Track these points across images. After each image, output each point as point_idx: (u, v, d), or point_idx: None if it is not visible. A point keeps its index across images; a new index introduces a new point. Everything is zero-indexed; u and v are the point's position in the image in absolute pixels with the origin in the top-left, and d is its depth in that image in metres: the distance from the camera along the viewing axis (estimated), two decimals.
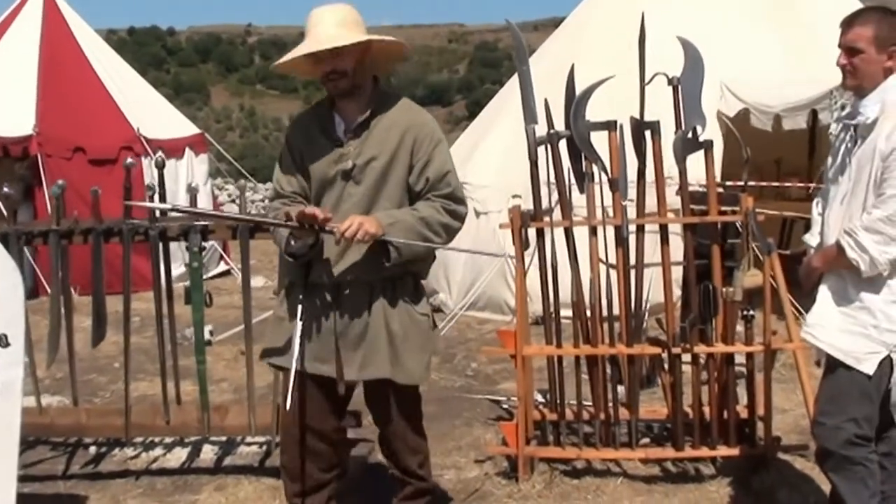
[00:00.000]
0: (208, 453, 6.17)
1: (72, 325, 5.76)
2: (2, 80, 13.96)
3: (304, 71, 4.34)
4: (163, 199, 5.74)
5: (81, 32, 15.24)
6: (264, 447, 6.14)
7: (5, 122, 13.08)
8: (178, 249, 7.50)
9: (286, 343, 4.31)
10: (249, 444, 6.27)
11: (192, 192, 5.62)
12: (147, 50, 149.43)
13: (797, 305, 6.17)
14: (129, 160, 5.82)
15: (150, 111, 14.79)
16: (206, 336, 9.16)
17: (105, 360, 8.55)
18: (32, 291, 11.91)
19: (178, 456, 6.22)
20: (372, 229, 3.99)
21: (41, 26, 14.78)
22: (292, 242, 4.15)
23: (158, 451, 6.27)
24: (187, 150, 14.74)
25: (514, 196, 5.95)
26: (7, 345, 3.88)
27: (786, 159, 11.83)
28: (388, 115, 4.24)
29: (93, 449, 6.31)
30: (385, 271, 4.14)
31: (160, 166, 5.70)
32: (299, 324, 4.21)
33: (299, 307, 4.24)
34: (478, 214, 10.75)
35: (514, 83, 9.76)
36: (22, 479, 5.32)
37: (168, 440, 6.31)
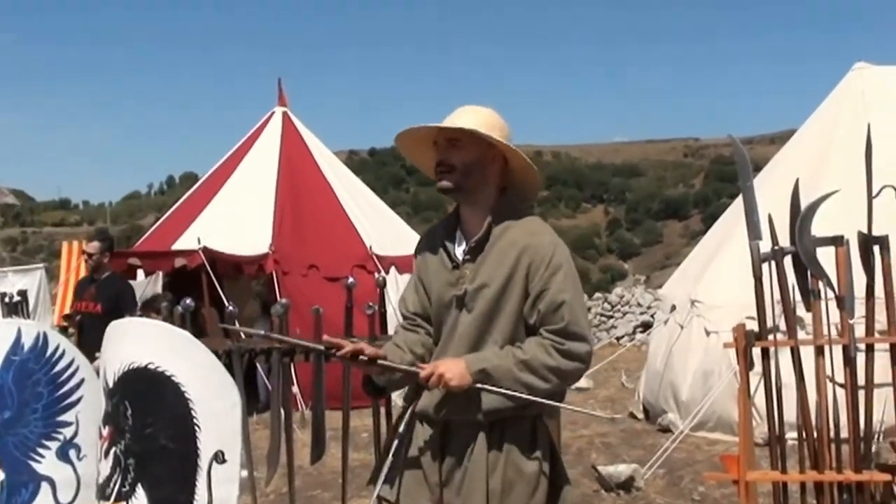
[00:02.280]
0: None
1: (292, 441, 5.87)
2: (242, 200, 14.66)
3: (426, 159, 3.98)
4: (383, 317, 5.85)
5: (319, 152, 15.92)
6: None
7: (244, 241, 13.66)
8: None
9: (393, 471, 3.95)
10: None
11: None
12: (387, 170, 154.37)
13: None
14: (351, 280, 5.95)
15: (384, 229, 15.19)
16: None
17: (331, 475, 8.66)
18: (266, 404, 12.28)
19: None
20: (454, 381, 3.64)
21: (280, 147, 15.47)
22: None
23: None
24: None
25: (748, 318, 5.76)
26: (223, 461, 3.96)
27: None
28: (509, 233, 3.83)
29: None
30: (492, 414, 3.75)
31: (381, 285, 5.82)
32: (389, 458, 3.92)
33: (394, 439, 3.94)
34: (708, 333, 10.57)
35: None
36: None
37: None
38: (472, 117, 3.83)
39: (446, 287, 3.88)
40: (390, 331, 6.02)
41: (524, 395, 3.68)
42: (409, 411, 3.91)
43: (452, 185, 3.81)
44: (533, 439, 3.82)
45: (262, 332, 4.17)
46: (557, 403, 3.87)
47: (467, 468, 3.79)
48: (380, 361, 3.77)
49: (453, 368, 3.67)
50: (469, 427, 3.80)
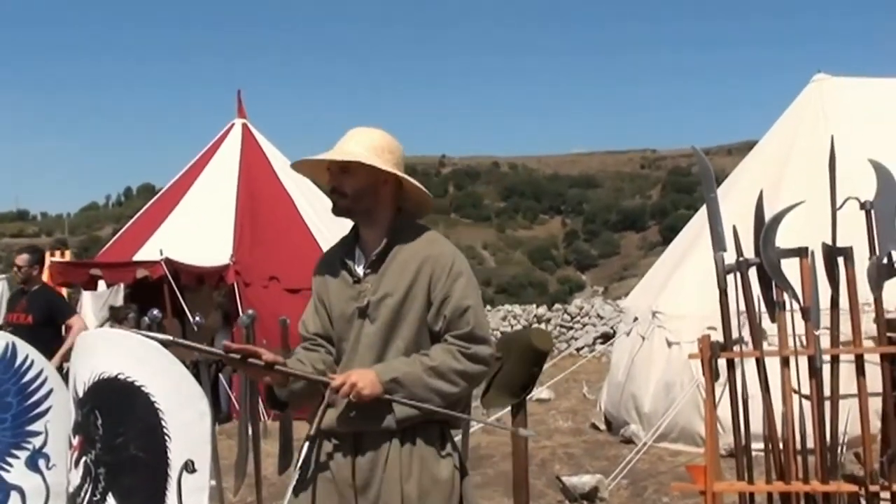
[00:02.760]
0: None
1: (259, 451, 5.87)
2: (202, 211, 14.64)
3: (324, 182, 4.08)
4: None
5: (280, 165, 15.89)
6: None
7: (205, 252, 13.64)
8: None
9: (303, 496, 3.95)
10: None
11: None
12: None
13: None
14: None
15: None
16: None
17: None
18: (227, 416, 12.26)
19: None
20: (366, 391, 3.68)
21: (239, 159, 15.47)
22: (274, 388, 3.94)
23: None
24: None
25: (710, 328, 5.80)
26: (193, 471, 3.94)
27: None
28: (408, 247, 3.91)
29: None
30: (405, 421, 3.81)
31: None
32: (295, 474, 3.92)
33: (300, 456, 3.90)
34: (669, 344, 10.64)
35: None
36: None
37: None
38: (362, 142, 3.92)
39: (348, 302, 3.93)
40: None
41: (435, 408, 3.76)
42: (315, 427, 3.85)
43: (346, 208, 3.91)
44: (443, 441, 3.93)
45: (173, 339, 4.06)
46: (466, 416, 4.12)
47: (382, 477, 3.83)
48: (288, 369, 3.81)
49: (365, 378, 3.71)
50: (380, 436, 3.84)
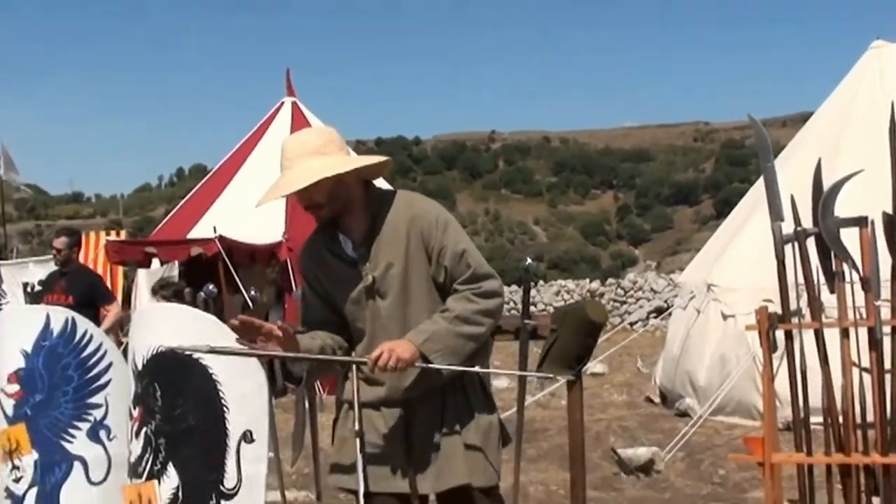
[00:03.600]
0: None
1: (316, 423, 5.92)
2: (254, 189, 14.70)
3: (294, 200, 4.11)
4: None
5: None
6: None
7: (257, 229, 13.72)
8: None
9: (352, 463, 3.99)
10: None
11: None
12: (394, 159, 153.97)
13: None
14: None
15: None
16: None
17: None
18: (282, 389, 12.33)
19: None
20: (406, 355, 3.78)
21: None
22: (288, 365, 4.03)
23: None
24: None
25: (766, 300, 5.74)
26: (252, 441, 4.00)
27: None
28: (391, 216, 4.00)
29: None
30: (449, 378, 3.95)
31: None
32: (357, 443, 3.90)
33: (356, 425, 3.92)
34: (725, 317, 10.57)
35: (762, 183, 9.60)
36: None
37: None
38: (305, 154, 3.96)
39: (350, 285, 4.01)
40: None
41: (475, 369, 3.98)
42: (356, 402, 3.92)
43: (329, 215, 4.01)
44: (486, 394, 4.15)
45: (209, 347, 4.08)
46: (497, 372, 4.04)
47: (442, 434, 3.98)
48: (324, 356, 3.95)
49: (400, 345, 3.80)
50: (431, 398, 3.98)
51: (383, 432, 4.01)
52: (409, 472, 3.99)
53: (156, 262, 14.55)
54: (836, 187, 5.23)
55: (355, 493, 4.00)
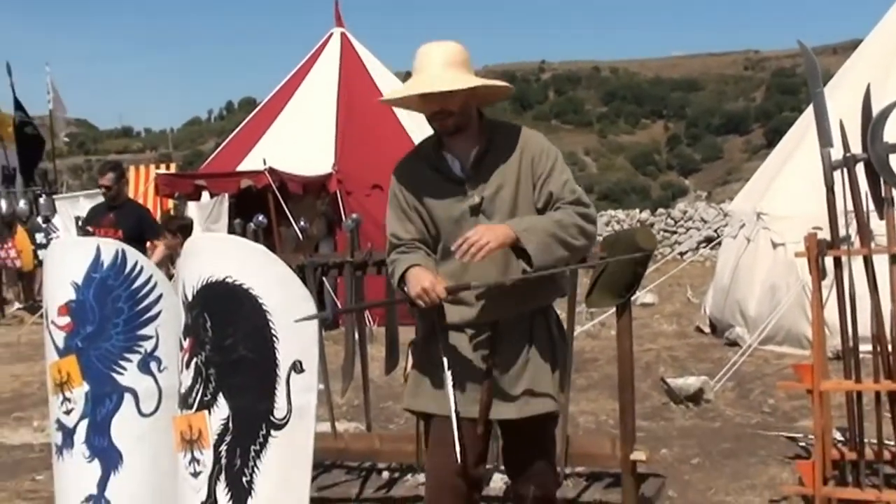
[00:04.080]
0: (497, 482, 6.19)
1: (366, 354, 5.97)
2: (303, 122, 14.74)
3: (414, 106, 4.19)
4: None
5: (379, 74, 15.90)
6: None
7: (307, 162, 13.75)
8: None
9: (434, 390, 4.06)
10: None
11: None
12: None
13: None
14: None
15: None
16: None
17: (402, 388, 8.73)
18: (334, 322, 12.43)
19: None
20: (502, 237, 3.80)
21: (339, 69, 15.49)
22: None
23: None
24: None
25: (815, 228, 5.69)
26: (301, 371, 4.03)
27: None
28: (502, 144, 4.08)
29: (385, 474, 6.48)
30: (538, 301, 4.07)
31: None
32: (448, 374, 3.95)
33: (444, 357, 3.98)
34: (775, 245, 10.50)
35: (812, 110, 9.48)
36: (317, 501, 5.55)
37: None
38: (450, 62, 3.99)
39: (453, 204, 4.04)
40: None
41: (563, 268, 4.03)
42: (440, 324, 4.01)
43: (455, 126, 4.01)
44: (560, 325, 4.28)
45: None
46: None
47: (528, 358, 4.05)
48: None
49: (495, 229, 3.84)
50: (518, 322, 4.04)
51: (467, 356, 4.03)
52: (490, 397, 4.02)
53: (206, 196, 14.63)
54: (885, 113, 5.18)
55: (427, 416, 4.13)
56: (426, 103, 4.00)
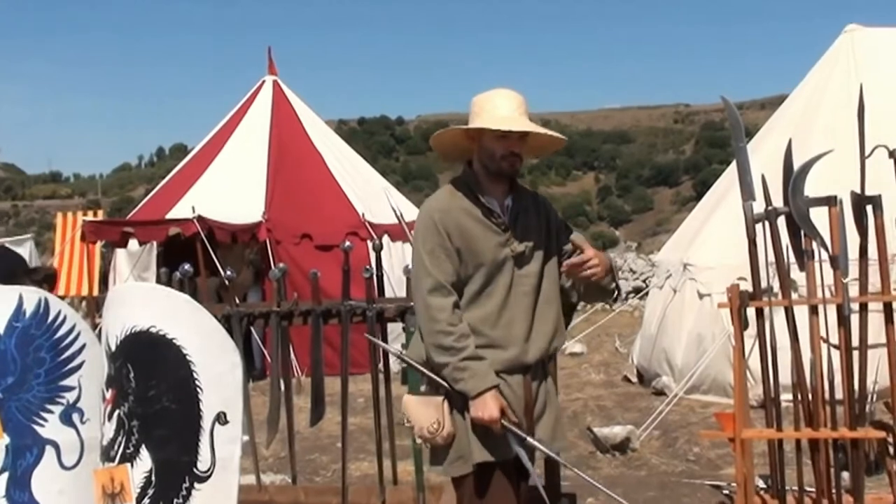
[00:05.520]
0: None
1: (291, 405, 5.93)
2: (234, 169, 14.72)
3: (456, 149, 4.36)
4: (380, 280, 5.91)
5: (310, 122, 15.97)
6: None
7: (237, 210, 13.71)
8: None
9: (492, 440, 4.05)
10: None
11: (408, 273, 5.71)
12: (377, 139, 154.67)
13: None
14: (347, 244, 5.96)
15: (375, 197, 15.25)
16: None
17: (328, 439, 8.74)
18: (261, 372, 12.36)
19: None
20: (607, 267, 4.13)
21: (270, 117, 15.51)
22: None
23: None
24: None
25: (740, 278, 5.79)
26: (226, 422, 4.01)
27: None
28: (526, 195, 4.36)
29: None
30: (555, 344, 4.27)
31: (377, 249, 5.87)
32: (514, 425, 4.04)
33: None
34: (701, 296, 10.63)
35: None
36: None
37: None
38: (520, 108, 4.19)
39: (498, 248, 4.15)
40: (387, 293, 6.07)
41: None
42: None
43: (517, 171, 4.23)
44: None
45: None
46: None
47: (547, 394, 4.27)
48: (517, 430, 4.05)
49: (603, 258, 4.13)
50: (543, 365, 4.26)
51: (508, 398, 4.09)
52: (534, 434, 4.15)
53: (135, 243, 14.51)
54: (806, 167, 5.28)
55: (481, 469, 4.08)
56: (504, 143, 4.12)
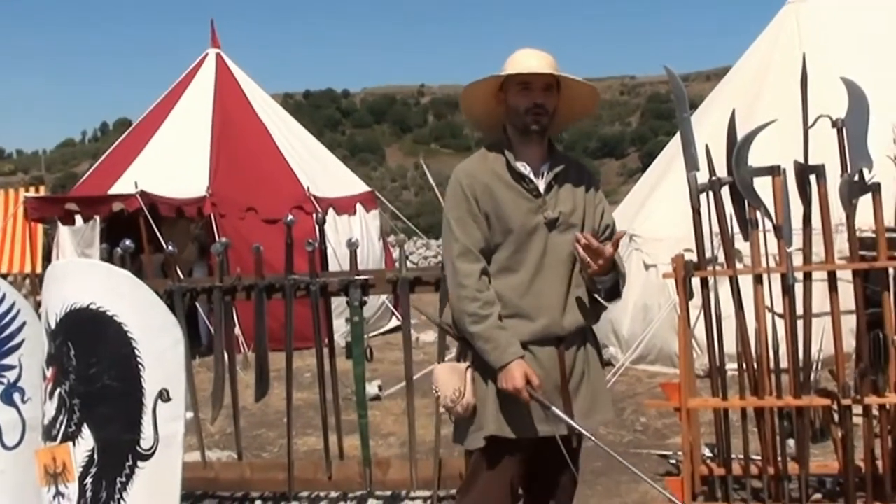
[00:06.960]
0: None
1: (236, 381, 5.89)
2: (177, 143, 14.54)
3: (485, 104, 4.15)
4: (323, 254, 5.87)
5: (255, 95, 15.79)
6: (428, 502, 6.11)
7: (181, 184, 13.56)
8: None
9: (514, 414, 3.97)
10: (413, 498, 6.25)
11: (352, 246, 5.69)
12: (323, 112, 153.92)
13: None
14: (290, 217, 5.91)
15: (321, 171, 15.14)
16: (375, 391, 9.30)
17: (275, 415, 8.70)
18: (207, 348, 12.27)
19: None
20: (610, 262, 3.96)
21: (214, 91, 15.33)
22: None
23: None
24: (359, 206, 15.00)
25: (686, 249, 5.81)
26: (168, 399, 3.97)
27: None
28: (566, 162, 4.13)
29: (258, 503, 6.39)
30: (588, 319, 4.11)
31: (321, 223, 5.83)
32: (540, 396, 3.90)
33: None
34: (647, 267, 10.66)
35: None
36: None
37: (333, 495, 6.33)
38: (551, 64, 4.02)
39: (529, 214, 4.01)
40: (331, 268, 6.03)
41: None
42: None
43: (546, 126, 4.03)
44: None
45: None
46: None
47: (585, 370, 4.12)
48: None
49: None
50: (580, 335, 4.11)
51: (537, 372, 3.95)
52: (570, 411, 4.02)
53: (79, 219, 14.32)
54: (749, 137, 5.30)
55: (503, 441, 4.00)
56: (527, 95, 3.97)
